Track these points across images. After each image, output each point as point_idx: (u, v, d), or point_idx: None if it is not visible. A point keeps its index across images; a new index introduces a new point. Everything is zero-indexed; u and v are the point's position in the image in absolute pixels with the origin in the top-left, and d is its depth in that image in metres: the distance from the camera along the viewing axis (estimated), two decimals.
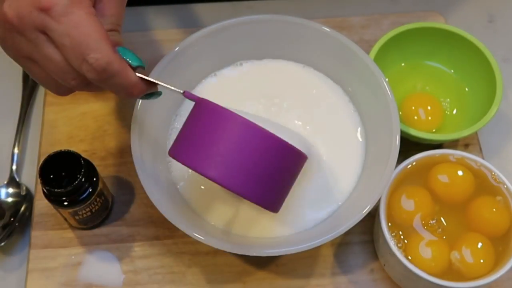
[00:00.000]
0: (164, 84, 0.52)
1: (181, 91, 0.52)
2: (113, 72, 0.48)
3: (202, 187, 0.62)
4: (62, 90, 0.53)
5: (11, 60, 0.52)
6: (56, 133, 0.71)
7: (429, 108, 0.69)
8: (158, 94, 0.54)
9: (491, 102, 0.66)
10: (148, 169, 0.59)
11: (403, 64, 0.73)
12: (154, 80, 0.52)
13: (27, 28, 0.47)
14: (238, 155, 0.48)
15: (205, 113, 0.50)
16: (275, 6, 0.80)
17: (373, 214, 0.62)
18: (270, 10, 0.79)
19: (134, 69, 0.50)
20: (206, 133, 0.49)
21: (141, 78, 0.51)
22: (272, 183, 0.50)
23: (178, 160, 0.50)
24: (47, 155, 0.59)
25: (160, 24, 0.79)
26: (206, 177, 0.48)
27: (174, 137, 0.64)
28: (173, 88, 0.53)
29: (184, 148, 0.50)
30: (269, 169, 0.49)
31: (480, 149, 0.70)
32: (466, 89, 0.72)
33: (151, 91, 0.52)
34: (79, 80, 0.49)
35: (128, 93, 0.50)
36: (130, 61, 0.50)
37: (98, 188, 0.61)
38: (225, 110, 0.49)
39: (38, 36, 0.48)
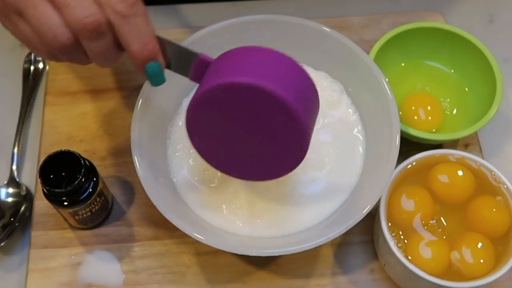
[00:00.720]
0: (179, 44, 0.52)
1: (198, 53, 0.52)
2: (140, 10, 0.49)
3: (202, 187, 0.62)
4: (49, 48, 0.50)
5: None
6: (56, 133, 0.71)
7: (429, 108, 0.69)
8: (162, 79, 0.53)
9: (491, 102, 0.66)
10: (148, 169, 0.59)
11: (403, 64, 0.73)
12: (170, 40, 0.52)
13: None
14: (278, 72, 0.49)
15: (230, 54, 0.51)
16: (275, 6, 0.80)
17: (373, 214, 0.62)
18: (270, 10, 0.79)
19: None
20: (240, 60, 0.50)
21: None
22: (308, 105, 0.51)
23: (221, 83, 0.49)
24: (47, 155, 0.59)
25: (160, 24, 0.78)
26: (254, 86, 0.48)
27: (175, 137, 0.65)
28: (189, 49, 0.52)
29: (223, 75, 0.50)
30: (304, 93, 0.51)
31: (480, 149, 0.70)
32: (466, 89, 0.72)
33: (159, 61, 0.51)
34: (70, 35, 0.48)
35: (143, 45, 0.49)
36: None
37: (98, 188, 0.61)
38: (254, 46, 0.51)
39: None
